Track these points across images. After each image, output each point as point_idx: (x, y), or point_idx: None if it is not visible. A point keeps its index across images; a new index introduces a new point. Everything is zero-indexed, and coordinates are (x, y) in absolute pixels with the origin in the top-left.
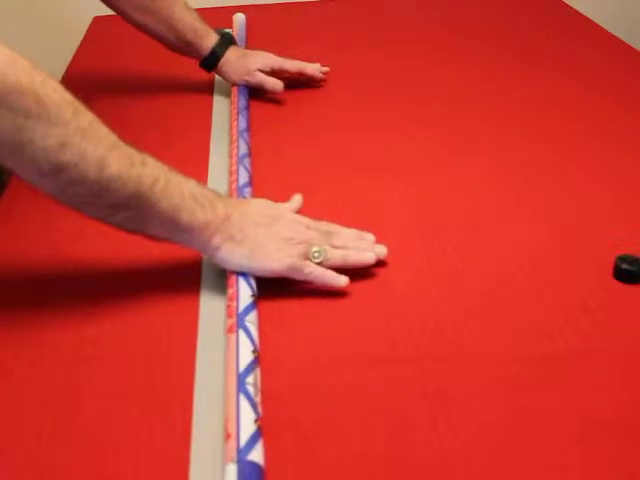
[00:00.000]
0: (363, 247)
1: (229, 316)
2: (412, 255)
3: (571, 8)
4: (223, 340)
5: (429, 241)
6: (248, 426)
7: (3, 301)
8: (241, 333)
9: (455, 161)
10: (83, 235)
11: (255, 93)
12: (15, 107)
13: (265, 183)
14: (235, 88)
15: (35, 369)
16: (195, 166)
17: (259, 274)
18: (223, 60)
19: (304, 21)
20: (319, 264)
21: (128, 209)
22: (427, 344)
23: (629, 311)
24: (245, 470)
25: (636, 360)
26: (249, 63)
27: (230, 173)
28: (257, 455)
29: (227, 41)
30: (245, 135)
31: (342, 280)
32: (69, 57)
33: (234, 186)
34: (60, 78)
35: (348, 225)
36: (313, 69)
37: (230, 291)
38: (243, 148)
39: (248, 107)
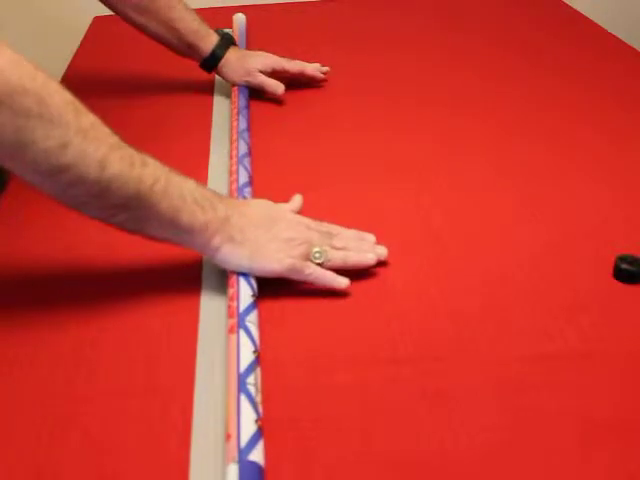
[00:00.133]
0: (364, 248)
1: (230, 316)
2: (412, 255)
3: (571, 8)
4: (223, 340)
5: (429, 241)
6: (249, 426)
7: (3, 301)
8: (242, 333)
9: (455, 161)
10: (83, 235)
11: (255, 93)
12: (17, 107)
13: (265, 183)
14: (235, 88)
15: (35, 369)
16: (195, 166)
17: (259, 275)
18: (223, 61)
19: (304, 21)
20: (320, 265)
21: (129, 209)
22: (427, 344)
23: (629, 311)
24: (246, 470)
25: (636, 360)
26: (249, 64)
27: (230, 173)
28: (258, 455)
29: (227, 42)
30: (245, 135)
31: (342, 281)
32: (69, 57)
33: (234, 186)
34: (60, 78)
35: (348, 225)
36: (313, 69)
37: (231, 291)
38: (243, 148)
39: (248, 107)
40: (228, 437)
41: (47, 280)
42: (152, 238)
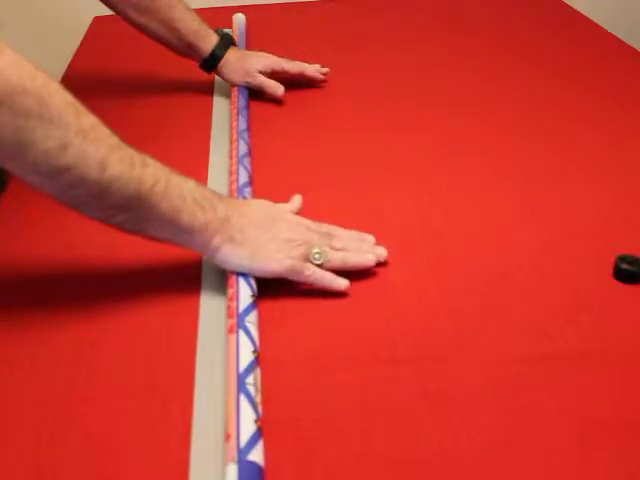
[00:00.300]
0: (363, 249)
1: (229, 316)
2: (412, 255)
3: (571, 8)
4: (223, 340)
5: (429, 241)
6: (248, 426)
7: (3, 301)
8: (241, 333)
9: (455, 161)
10: (83, 235)
11: (255, 93)
12: (17, 108)
13: (265, 183)
14: (235, 88)
15: (35, 369)
16: (195, 166)
17: (259, 275)
18: (223, 61)
19: (304, 21)
20: (319, 266)
21: (129, 210)
22: (427, 344)
23: (629, 311)
24: (245, 470)
25: (636, 360)
26: (249, 64)
27: (230, 173)
28: (257, 455)
29: (227, 42)
30: (245, 135)
31: (342, 283)
32: (69, 57)
33: (234, 186)
34: (60, 78)
35: (348, 225)
36: (313, 70)
37: (230, 291)
38: (243, 148)
39: (248, 107)
40: (227, 437)
41: (47, 280)
42: (152, 238)
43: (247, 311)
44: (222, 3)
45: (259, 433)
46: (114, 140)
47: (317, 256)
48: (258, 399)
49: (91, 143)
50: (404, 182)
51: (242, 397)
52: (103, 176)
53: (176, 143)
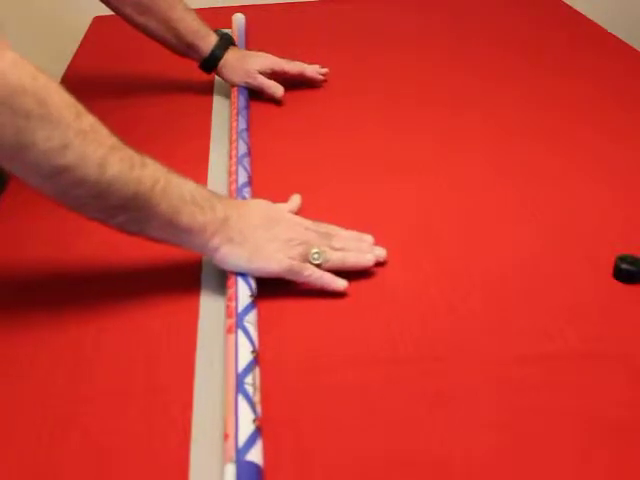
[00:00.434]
0: (362, 249)
1: (228, 316)
2: (412, 255)
3: (571, 8)
4: (223, 340)
5: (429, 241)
6: (246, 426)
7: (3, 301)
8: (240, 333)
9: (455, 161)
10: (83, 235)
11: (255, 93)
12: (17, 108)
13: (264, 183)
14: (235, 89)
15: (35, 369)
16: (195, 166)
17: (258, 275)
18: (222, 61)
19: (304, 21)
20: (318, 266)
21: (128, 211)
22: (427, 344)
23: (629, 311)
24: (243, 470)
25: (636, 360)
26: (249, 65)
27: (229, 173)
28: (256, 455)
29: (226, 42)
30: (244, 135)
31: (341, 283)
32: (69, 57)
33: (233, 186)
34: (60, 78)
35: (348, 225)
36: (313, 71)
37: (229, 291)
38: (242, 148)
39: (248, 107)
40: (226, 437)
41: (47, 280)
42: (151, 239)
43: (246, 311)
44: (222, 3)
45: (258, 433)
46: (113, 141)
47: (316, 256)
48: (257, 399)
49: (91, 144)
50: (404, 182)
51: (240, 397)
52: (102, 177)
53: (176, 143)
